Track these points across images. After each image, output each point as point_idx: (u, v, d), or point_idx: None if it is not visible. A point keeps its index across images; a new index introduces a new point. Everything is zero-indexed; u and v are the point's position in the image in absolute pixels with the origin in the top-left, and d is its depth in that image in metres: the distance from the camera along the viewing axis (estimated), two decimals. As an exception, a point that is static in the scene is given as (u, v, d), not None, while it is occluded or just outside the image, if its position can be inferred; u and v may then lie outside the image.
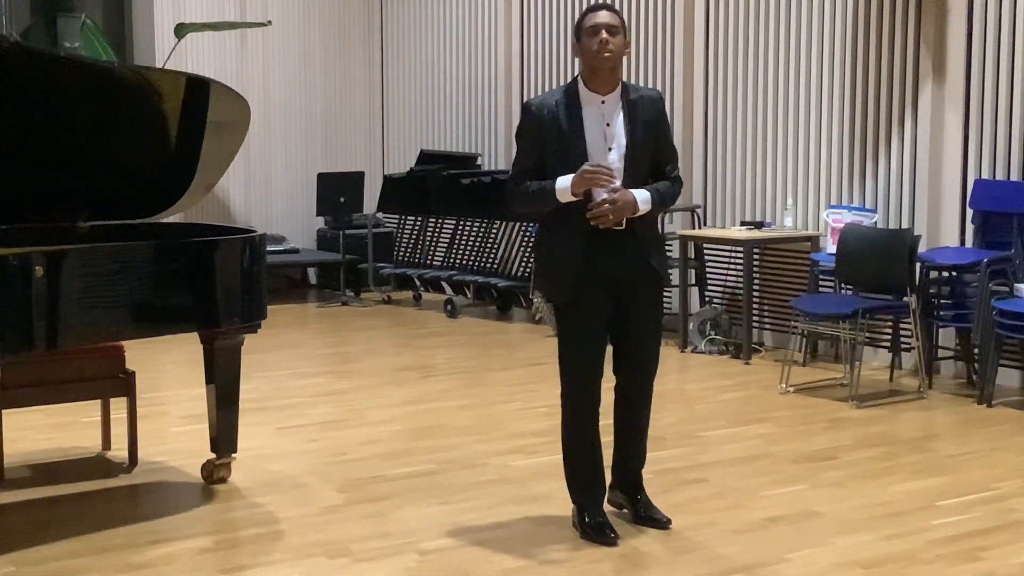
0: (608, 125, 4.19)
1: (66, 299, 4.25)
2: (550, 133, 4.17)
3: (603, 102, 4.20)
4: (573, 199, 4.11)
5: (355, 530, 4.44)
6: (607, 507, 4.44)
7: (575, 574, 4.05)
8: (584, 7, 9.14)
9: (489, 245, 9.67)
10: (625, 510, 4.51)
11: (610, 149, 4.18)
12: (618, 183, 4.14)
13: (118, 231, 5.14)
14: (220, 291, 4.72)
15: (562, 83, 9.44)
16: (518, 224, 9.36)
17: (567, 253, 4.17)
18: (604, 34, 4.13)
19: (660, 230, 4.43)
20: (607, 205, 4.09)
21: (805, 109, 7.78)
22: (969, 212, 6.91)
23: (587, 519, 4.31)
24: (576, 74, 4.28)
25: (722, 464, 5.33)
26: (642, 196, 4.17)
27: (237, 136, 5.29)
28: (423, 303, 10.05)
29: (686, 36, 8.46)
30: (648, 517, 4.46)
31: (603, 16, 4.18)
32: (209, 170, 5.26)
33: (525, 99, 9.80)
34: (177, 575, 4.02)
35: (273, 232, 10.27)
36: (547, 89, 9.65)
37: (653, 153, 4.27)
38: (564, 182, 4.10)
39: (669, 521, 4.45)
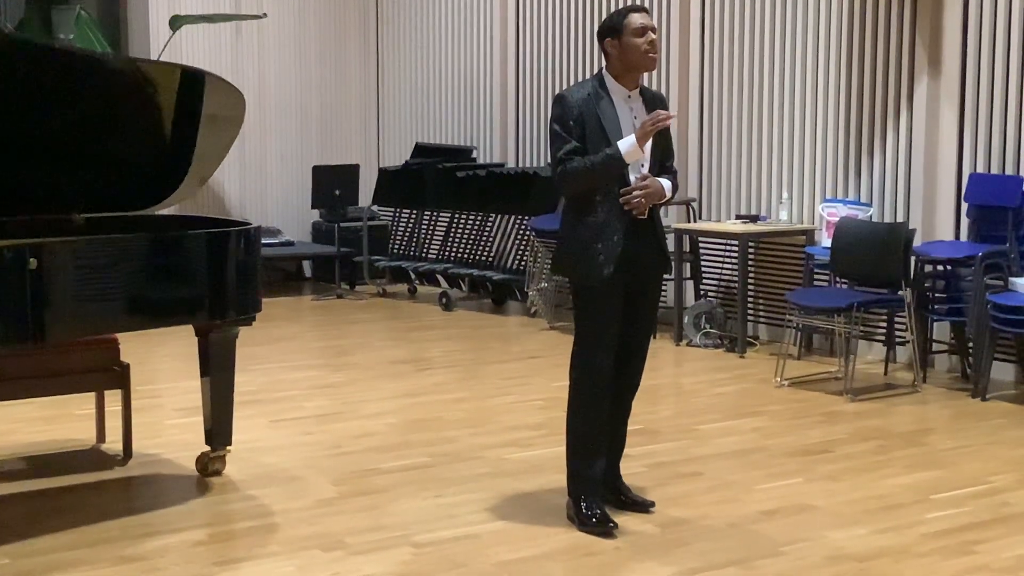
0: (636, 118, 4.31)
1: (60, 292, 4.24)
2: (589, 123, 4.25)
3: (629, 96, 4.33)
4: (641, 156, 4.23)
5: (350, 523, 4.44)
6: None
7: (570, 567, 4.05)
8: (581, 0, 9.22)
9: (484, 238, 9.66)
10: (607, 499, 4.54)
11: None
12: (647, 171, 4.30)
13: (113, 223, 5.13)
14: (215, 284, 4.71)
15: (557, 76, 9.50)
16: (513, 217, 9.36)
17: (612, 235, 4.24)
18: (652, 35, 4.26)
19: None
20: (639, 191, 4.22)
21: (801, 103, 7.78)
22: (964, 206, 6.92)
23: (586, 510, 4.32)
24: (601, 68, 4.36)
25: (717, 457, 5.33)
26: (666, 185, 4.35)
27: (232, 128, 5.28)
28: (418, 296, 10.05)
29: (682, 29, 8.45)
30: (631, 501, 4.55)
31: (647, 18, 4.30)
32: (204, 162, 5.25)
33: (519, 92, 9.89)
34: (171, 567, 4.02)
35: (268, 225, 10.28)
36: (542, 81, 9.67)
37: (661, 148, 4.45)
38: (628, 142, 4.19)
39: (652, 504, 4.55)
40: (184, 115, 5.05)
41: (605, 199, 4.25)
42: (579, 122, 4.24)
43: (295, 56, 10.98)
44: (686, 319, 7.96)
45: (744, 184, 8.17)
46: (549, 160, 4.37)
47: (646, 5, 8.59)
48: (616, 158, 4.19)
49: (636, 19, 4.25)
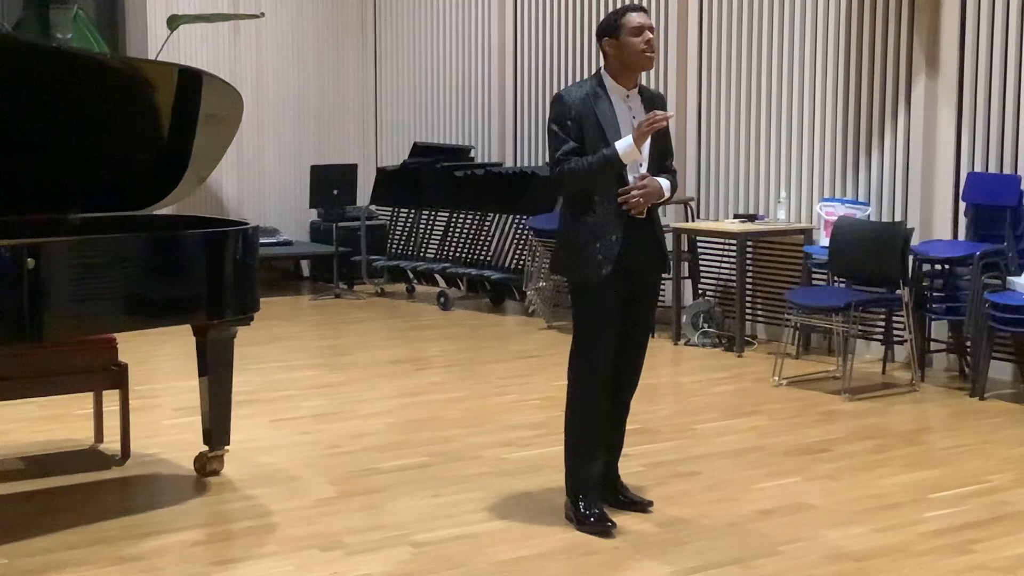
0: (635, 118, 4.30)
1: (58, 291, 4.24)
2: (587, 123, 4.25)
3: (627, 96, 4.33)
4: (638, 157, 4.22)
5: (348, 522, 4.44)
6: None
7: (569, 566, 4.05)
8: (578, -1, 9.23)
9: (482, 238, 9.66)
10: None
11: None
12: (646, 171, 4.30)
13: (110, 223, 5.13)
14: (213, 283, 4.71)
15: (555, 75, 9.49)
16: (511, 217, 9.36)
17: (610, 235, 4.24)
18: (650, 35, 4.26)
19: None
20: (637, 191, 4.22)
21: (799, 101, 7.78)
22: (962, 205, 6.92)
23: (584, 509, 4.33)
24: (600, 67, 4.37)
25: (715, 457, 5.33)
26: (665, 184, 4.34)
27: (230, 128, 5.28)
28: (416, 295, 10.05)
29: (679, 28, 8.45)
30: (629, 501, 4.55)
31: (645, 17, 4.30)
32: (202, 162, 5.25)
33: (518, 91, 9.89)
34: (170, 567, 4.02)
35: (266, 224, 10.26)
36: (540, 81, 9.66)
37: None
38: (625, 143, 4.18)
39: (651, 503, 4.55)
40: (182, 115, 5.05)
41: (603, 199, 4.25)
42: (577, 122, 4.24)
43: (293, 55, 10.97)
44: (684, 318, 7.96)
45: (742, 183, 8.17)
46: (548, 160, 4.37)
47: (644, 5, 8.59)
48: (613, 159, 4.19)
49: (634, 18, 4.25)
